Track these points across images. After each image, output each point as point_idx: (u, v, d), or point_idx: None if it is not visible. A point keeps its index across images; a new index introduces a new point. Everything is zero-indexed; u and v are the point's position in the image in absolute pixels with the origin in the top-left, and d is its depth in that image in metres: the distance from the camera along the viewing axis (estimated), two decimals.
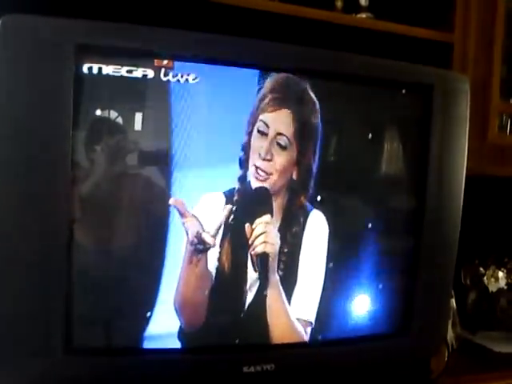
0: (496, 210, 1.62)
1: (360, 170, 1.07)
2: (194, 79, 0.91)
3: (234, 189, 0.99)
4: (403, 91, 1.07)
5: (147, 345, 0.93)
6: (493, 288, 1.49)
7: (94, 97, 0.87)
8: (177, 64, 0.90)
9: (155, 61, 0.89)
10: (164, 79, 0.90)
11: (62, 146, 0.84)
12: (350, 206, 1.09)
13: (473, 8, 1.30)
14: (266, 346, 1.00)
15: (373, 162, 1.08)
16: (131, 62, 0.88)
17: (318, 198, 1.03)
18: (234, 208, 0.99)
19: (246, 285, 1.01)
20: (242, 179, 0.99)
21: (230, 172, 0.99)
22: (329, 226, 1.05)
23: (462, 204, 1.12)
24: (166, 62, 0.90)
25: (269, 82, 0.99)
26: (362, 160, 1.07)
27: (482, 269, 1.50)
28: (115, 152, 0.89)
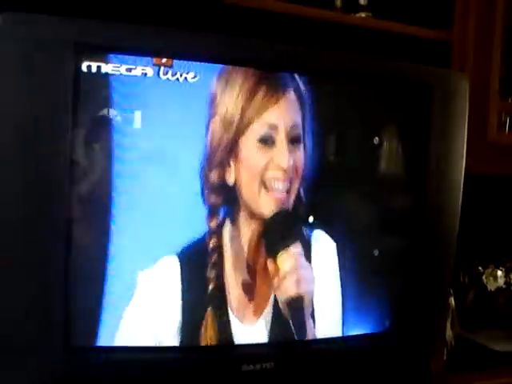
0: (495, 209, 1.62)
1: (358, 171, 1.06)
2: (193, 77, 0.91)
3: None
4: (402, 90, 1.07)
5: (147, 343, 0.93)
6: (491, 287, 1.49)
7: (93, 95, 0.87)
8: (176, 62, 0.90)
9: (154, 59, 0.89)
10: (163, 77, 0.90)
11: (61, 145, 0.84)
12: (349, 210, 1.04)
13: (472, 7, 1.30)
14: (265, 344, 1.00)
15: (371, 163, 1.07)
16: (130, 60, 0.88)
17: (313, 215, 0.95)
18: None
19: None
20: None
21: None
22: (336, 243, 0.98)
23: (460, 203, 1.12)
24: (164, 60, 0.90)
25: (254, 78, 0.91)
26: (360, 160, 1.06)
27: (480, 268, 1.50)
28: (114, 151, 0.89)
